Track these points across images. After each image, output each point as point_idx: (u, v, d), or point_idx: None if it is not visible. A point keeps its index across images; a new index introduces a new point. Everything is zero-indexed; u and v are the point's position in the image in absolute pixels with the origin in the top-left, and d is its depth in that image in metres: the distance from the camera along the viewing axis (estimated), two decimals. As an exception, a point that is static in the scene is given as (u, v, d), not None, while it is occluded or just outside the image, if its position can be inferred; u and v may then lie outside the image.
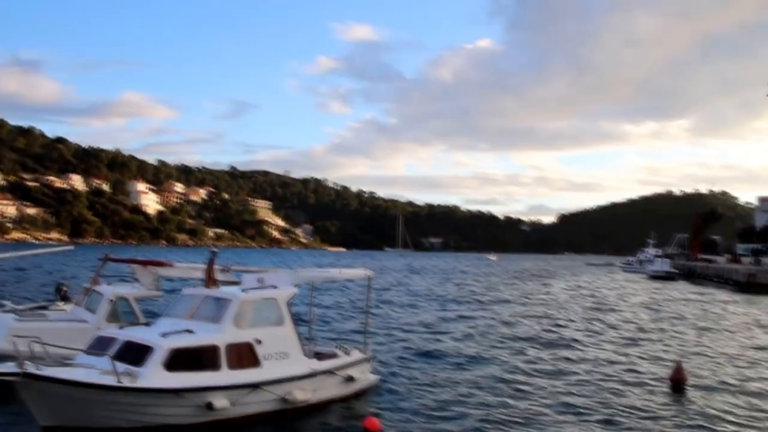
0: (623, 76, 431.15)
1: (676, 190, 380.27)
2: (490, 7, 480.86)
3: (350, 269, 16.98)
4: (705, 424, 12.74)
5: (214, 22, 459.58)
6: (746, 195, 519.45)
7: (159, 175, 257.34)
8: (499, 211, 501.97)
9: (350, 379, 14.27)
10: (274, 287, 13.71)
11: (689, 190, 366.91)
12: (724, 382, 16.87)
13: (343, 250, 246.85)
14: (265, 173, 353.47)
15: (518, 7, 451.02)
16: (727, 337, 26.27)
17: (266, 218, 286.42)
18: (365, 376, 15.10)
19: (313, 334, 16.44)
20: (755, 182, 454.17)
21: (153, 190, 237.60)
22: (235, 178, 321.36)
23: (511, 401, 14.53)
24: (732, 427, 12.71)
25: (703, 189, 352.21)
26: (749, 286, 52.68)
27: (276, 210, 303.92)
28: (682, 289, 59.59)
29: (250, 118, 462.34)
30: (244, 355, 12.24)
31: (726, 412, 13.81)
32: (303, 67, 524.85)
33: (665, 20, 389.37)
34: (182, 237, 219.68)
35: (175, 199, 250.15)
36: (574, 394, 15.30)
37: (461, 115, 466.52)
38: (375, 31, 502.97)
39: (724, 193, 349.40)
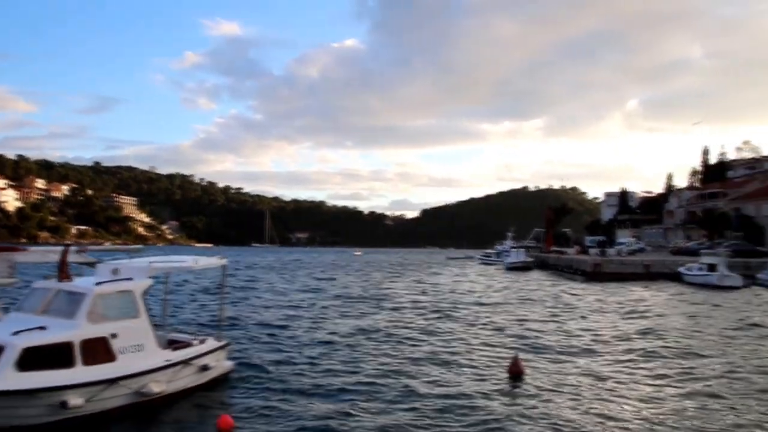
0: (483, 78, 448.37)
1: (531, 186, 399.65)
2: (356, 8, 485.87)
3: (206, 258, 16.53)
4: (542, 415, 12.91)
5: (77, 14, 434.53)
6: (594, 190, 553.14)
7: (18, 171, 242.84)
8: (364, 206, 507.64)
9: (206, 367, 14.34)
10: (130, 279, 13.45)
11: (543, 185, 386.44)
12: (560, 371, 17.19)
13: (210, 246, 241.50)
14: (131, 169, 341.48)
15: (383, 9, 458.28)
16: (569, 322, 27.58)
17: (131, 214, 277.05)
18: (221, 364, 15.22)
19: (168, 323, 16.19)
20: (602, 179, 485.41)
21: (12, 186, 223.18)
22: (99, 173, 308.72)
23: (357, 387, 14.91)
24: (569, 414, 12.98)
25: (556, 185, 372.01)
26: (595, 275, 56.07)
27: (141, 206, 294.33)
28: (534, 278, 62.69)
29: (114, 112, 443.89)
30: (100, 351, 12.01)
31: (561, 405, 13.94)
32: (169, 63, 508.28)
33: (522, 25, 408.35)
34: (44, 235, 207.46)
35: (36, 196, 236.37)
36: (417, 382, 15.47)
37: (327, 113, 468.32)
38: (242, 28, 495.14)
39: (574, 189, 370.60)
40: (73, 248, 14.85)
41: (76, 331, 11.79)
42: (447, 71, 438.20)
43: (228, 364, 15.72)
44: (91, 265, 15.00)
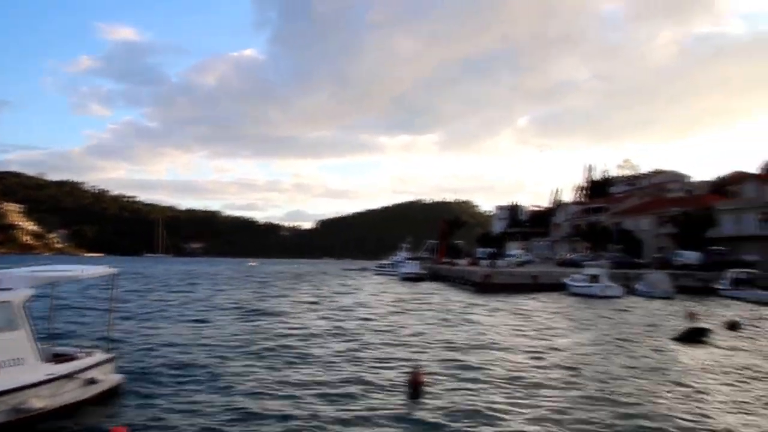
0: (381, 91, 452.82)
1: (426, 199, 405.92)
2: (256, 18, 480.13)
3: (93, 267, 15.87)
4: (442, 424, 13.14)
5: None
6: (486, 204, 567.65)
7: None
8: (260, 216, 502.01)
9: (92, 381, 13.81)
10: (8, 289, 12.70)
11: (437, 198, 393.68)
12: (462, 380, 17.59)
13: (100, 255, 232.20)
14: (17, 175, 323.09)
15: (283, 20, 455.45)
16: (462, 333, 28.12)
17: (17, 222, 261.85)
18: (109, 378, 14.69)
19: (53, 335, 15.54)
20: (494, 193, 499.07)
21: None
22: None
23: (247, 400, 14.77)
24: (467, 423, 13.28)
25: (450, 198, 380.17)
26: (485, 286, 57.45)
27: (28, 214, 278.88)
28: (427, 288, 63.76)
29: (0, 115, 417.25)
30: None
31: (461, 411, 14.26)
32: (62, 66, 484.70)
33: (421, 42, 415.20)
34: None
35: None
36: (312, 395, 15.41)
37: (224, 122, 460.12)
38: (140, 33, 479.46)
39: (467, 202, 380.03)
40: None
41: None
42: (346, 84, 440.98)
43: (117, 378, 15.17)
44: None
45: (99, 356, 14.54)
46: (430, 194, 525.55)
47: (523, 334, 27.28)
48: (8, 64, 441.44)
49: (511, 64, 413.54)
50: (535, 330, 28.62)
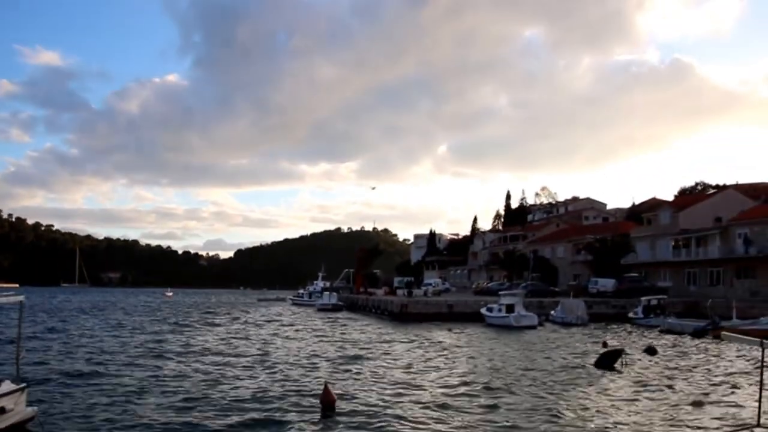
0: (302, 119, 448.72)
1: (345, 227, 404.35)
2: (180, 43, 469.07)
3: (1, 295, 15.54)
4: None
5: None
6: (405, 232, 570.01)
7: None
8: (178, 245, 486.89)
9: (2, 411, 13.34)
10: None
11: (356, 227, 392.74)
12: (370, 402, 17.87)
13: (16, 286, 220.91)
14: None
15: (207, 45, 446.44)
16: (373, 360, 27.03)
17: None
18: (20, 408, 14.21)
19: None
20: (413, 221, 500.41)
21: None
22: None
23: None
24: None
25: (368, 226, 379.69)
26: (402, 316, 56.14)
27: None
28: (343, 319, 61.94)
29: None
30: None
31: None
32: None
33: (342, 69, 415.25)
34: None
35: None
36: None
37: (145, 149, 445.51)
38: (63, 58, 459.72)
39: (386, 231, 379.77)
40: None
41: None
42: (267, 111, 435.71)
43: (30, 410, 14.71)
44: None
45: (8, 386, 13.95)
46: (349, 222, 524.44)
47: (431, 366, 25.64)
48: None
49: (431, 92, 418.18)
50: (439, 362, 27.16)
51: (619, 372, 24.56)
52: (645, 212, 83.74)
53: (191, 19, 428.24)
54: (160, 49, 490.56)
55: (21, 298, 15.27)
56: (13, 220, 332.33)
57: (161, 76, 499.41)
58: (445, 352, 31.60)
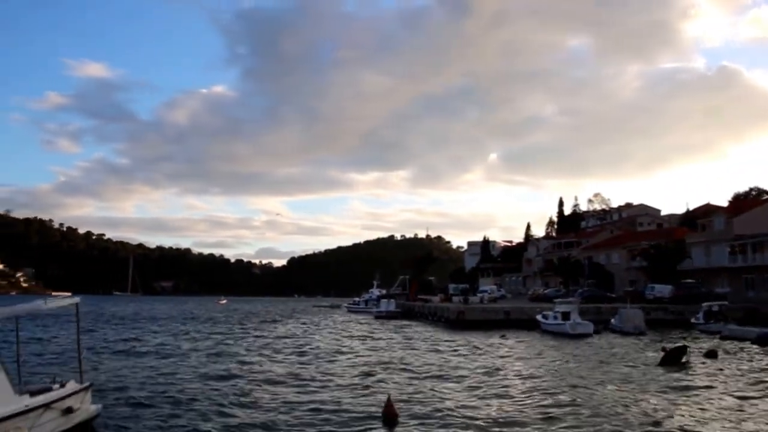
0: (351, 128, 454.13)
1: (397, 235, 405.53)
2: (227, 55, 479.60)
3: (56, 299, 16.05)
4: None
5: None
6: (458, 240, 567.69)
7: None
8: (230, 254, 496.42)
9: (70, 410, 13.78)
10: None
11: (408, 234, 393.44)
12: (436, 410, 17.77)
13: (68, 294, 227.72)
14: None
15: (253, 56, 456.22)
16: (436, 370, 27.82)
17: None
18: (86, 407, 14.82)
19: (24, 368, 15.56)
20: (465, 228, 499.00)
21: None
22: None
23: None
24: None
25: (421, 234, 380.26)
26: (458, 323, 56.95)
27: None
28: (401, 326, 62.81)
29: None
30: None
31: None
32: (30, 102, 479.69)
33: (389, 79, 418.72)
34: None
35: None
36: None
37: (194, 159, 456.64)
38: (110, 70, 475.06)
39: (439, 238, 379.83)
40: None
41: None
42: (315, 121, 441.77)
43: (94, 407, 15.37)
44: None
45: (74, 386, 14.52)
46: (402, 230, 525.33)
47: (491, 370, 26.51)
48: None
49: (478, 100, 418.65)
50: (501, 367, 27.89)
51: (685, 367, 25.22)
52: (699, 218, 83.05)
53: (237, 31, 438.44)
54: (206, 60, 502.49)
55: (76, 300, 15.88)
56: (65, 229, 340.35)
57: (208, 87, 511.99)
58: (506, 361, 31.97)
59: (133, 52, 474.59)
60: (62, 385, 14.29)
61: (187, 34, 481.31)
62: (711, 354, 32.10)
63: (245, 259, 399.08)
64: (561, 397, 20.40)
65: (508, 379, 25.29)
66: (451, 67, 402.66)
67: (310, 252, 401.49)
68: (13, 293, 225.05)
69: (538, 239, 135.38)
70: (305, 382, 23.80)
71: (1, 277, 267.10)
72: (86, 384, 15.16)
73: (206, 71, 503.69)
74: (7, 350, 15.12)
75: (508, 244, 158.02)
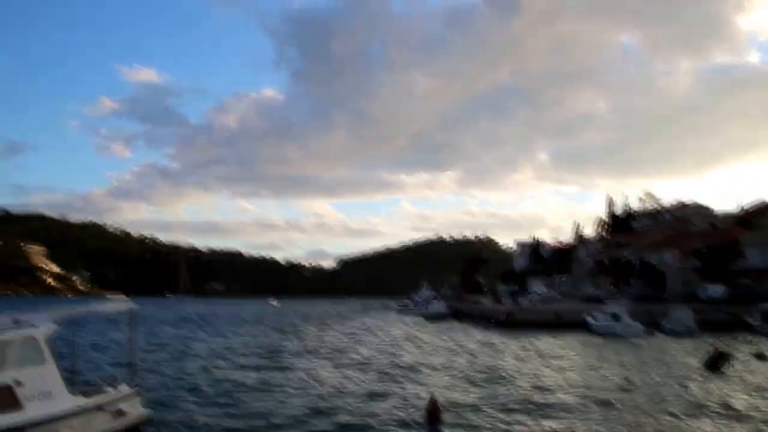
0: (400, 129, 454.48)
1: (446, 236, 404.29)
2: (275, 57, 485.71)
3: (112, 302, 16.65)
4: None
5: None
6: (507, 240, 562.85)
7: None
8: (280, 256, 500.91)
9: (120, 412, 14.23)
10: (33, 326, 13.17)
11: (458, 235, 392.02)
12: (478, 415, 17.93)
13: (123, 296, 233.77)
14: (41, 217, 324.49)
15: (302, 59, 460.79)
16: (485, 369, 28.40)
17: (41, 264, 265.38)
18: (136, 410, 15.12)
19: (79, 369, 16.00)
20: (514, 228, 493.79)
21: None
22: (6, 221, 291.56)
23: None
24: None
25: (470, 235, 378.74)
26: (508, 324, 57.43)
27: (52, 256, 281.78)
28: (452, 327, 63.64)
29: (24, 158, 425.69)
30: (4, 398, 11.72)
31: None
32: (84, 108, 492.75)
33: (437, 79, 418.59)
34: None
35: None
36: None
37: (245, 162, 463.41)
38: (160, 75, 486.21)
39: (488, 239, 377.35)
40: None
41: None
42: (364, 122, 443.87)
43: (145, 411, 15.66)
44: None
45: (125, 389, 14.92)
46: (451, 231, 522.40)
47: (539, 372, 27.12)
48: (31, 108, 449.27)
49: (528, 99, 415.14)
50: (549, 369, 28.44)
51: (727, 374, 25.04)
52: (754, 217, 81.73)
53: (285, 34, 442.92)
54: (255, 63, 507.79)
55: (133, 305, 16.16)
56: (119, 233, 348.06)
57: (257, 91, 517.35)
58: (557, 362, 32.29)
59: (183, 57, 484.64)
60: (114, 388, 14.75)
61: (235, 37, 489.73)
62: (761, 356, 31.64)
63: (295, 261, 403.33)
64: (601, 396, 20.86)
65: (558, 380, 25.61)
66: (499, 66, 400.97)
67: (359, 253, 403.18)
68: (70, 296, 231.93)
69: (588, 240, 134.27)
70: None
71: (58, 279, 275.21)
72: (137, 388, 15.55)
73: (255, 74, 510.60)
74: (64, 350, 15.45)
75: (558, 244, 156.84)
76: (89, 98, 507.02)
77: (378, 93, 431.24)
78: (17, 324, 13.32)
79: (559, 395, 21.59)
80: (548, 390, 22.79)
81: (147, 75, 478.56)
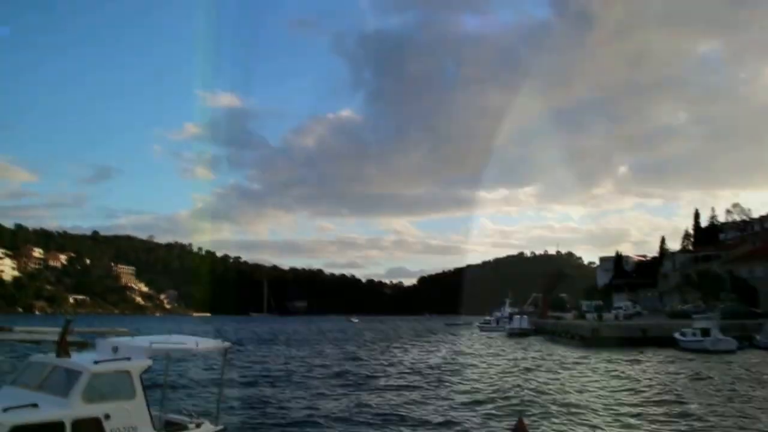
0: (477, 146, 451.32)
1: (527, 252, 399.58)
2: (352, 79, 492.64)
3: (207, 341, 16.66)
4: None
5: (76, 85, 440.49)
6: (589, 255, 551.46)
7: (16, 240, 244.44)
8: (360, 274, 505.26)
9: None
10: (128, 359, 13.19)
11: (538, 251, 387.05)
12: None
13: (208, 315, 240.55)
14: (129, 238, 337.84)
15: (378, 80, 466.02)
16: (567, 384, 28.93)
17: (130, 284, 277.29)
18: None
19: (166, 403, 16.01)
20: (596, 243, 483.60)
21: (9, 256, 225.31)
22: (97, 243, 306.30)
23: None
24: None
25: (551, 250, 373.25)
26: (593, 340, 57.08)
27: (140, 275, 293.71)
28: (536, 344, 63.76)
29: (113, 182, 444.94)
30: (91, 431, 11.66)
31: None
32: (168, 133, 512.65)
33: (513, 95, 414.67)
34: (40, 304, 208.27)
35: (33, 265, 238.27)
36: None
37: (324, 182, 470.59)
38: (240, 99, 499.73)
39: (569, 254, 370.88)
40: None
41: (68, 410, 11.45)
42: (441, 140, 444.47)
43: None
44: (81, 345, 14.54)
45: (209, 427, 14.79)
46: (531, 247, 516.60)
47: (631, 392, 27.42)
48: (119, 134, 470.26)
49: (606, 113, 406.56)
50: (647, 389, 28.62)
51: None
52: None
53: (360, 56, 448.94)
54: (331, 85, 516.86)
55: (226, 345, 16.14)
56: (203, 253, 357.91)
57: (335, 112, 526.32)
58: (647, 381, 32.15)
59: (262, 81, 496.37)
60: (198, 426, 14.56)
61: (311, 61, 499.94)
62: None
63: (376, 279, 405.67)
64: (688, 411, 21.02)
65: (649, 400, 25.89)
66: (575, 80, 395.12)
67: (439, 270, 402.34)
68: (158, 314, 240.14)
69: (673, 253, 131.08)
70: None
71: (146, 299, 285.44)
72: (221, 427, 15.33)
73: (332, 95, 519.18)
74: (154, 383, 15.85)
75: (642, 258, 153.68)
76: (173, 123, 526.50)
77: (454, 111, 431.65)
78: (116, 351, 13.56)
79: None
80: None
81: (228, 100, 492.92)
